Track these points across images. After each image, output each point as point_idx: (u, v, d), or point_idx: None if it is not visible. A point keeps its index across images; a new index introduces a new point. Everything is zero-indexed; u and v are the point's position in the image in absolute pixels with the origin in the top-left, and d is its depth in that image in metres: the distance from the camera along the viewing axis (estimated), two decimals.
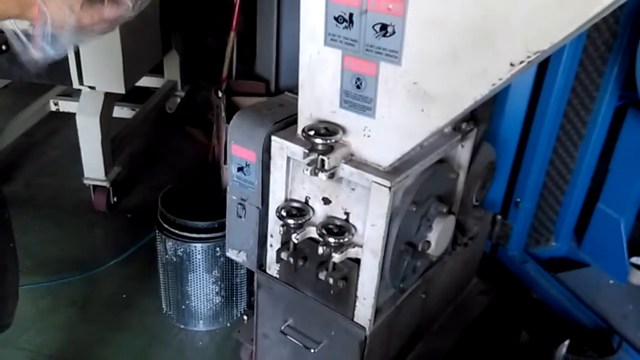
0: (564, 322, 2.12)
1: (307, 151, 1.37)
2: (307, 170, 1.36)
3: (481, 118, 1.71)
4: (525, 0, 1.01)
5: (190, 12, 4.06)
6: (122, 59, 2.39)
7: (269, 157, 1.52)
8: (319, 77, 1.38)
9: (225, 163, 2.67)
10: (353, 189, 1.42)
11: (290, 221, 1.47)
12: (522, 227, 2.34)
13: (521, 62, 1.06)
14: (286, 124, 1.56)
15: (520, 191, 2.27)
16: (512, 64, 1.07)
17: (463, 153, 1.70)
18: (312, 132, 1.35)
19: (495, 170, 2.00)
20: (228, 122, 2.67)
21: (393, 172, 1.36)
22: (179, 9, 3.40)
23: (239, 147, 1.58)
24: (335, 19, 1.28)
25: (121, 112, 3.20)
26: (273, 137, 1.49)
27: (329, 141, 1.33)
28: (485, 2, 1.06)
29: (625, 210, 2.19)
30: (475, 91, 1.14)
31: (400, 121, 1.28)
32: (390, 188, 1.33)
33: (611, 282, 2.25)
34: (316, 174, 1.35)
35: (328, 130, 1.37)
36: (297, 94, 1.47)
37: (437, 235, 1.53)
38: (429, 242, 1.54)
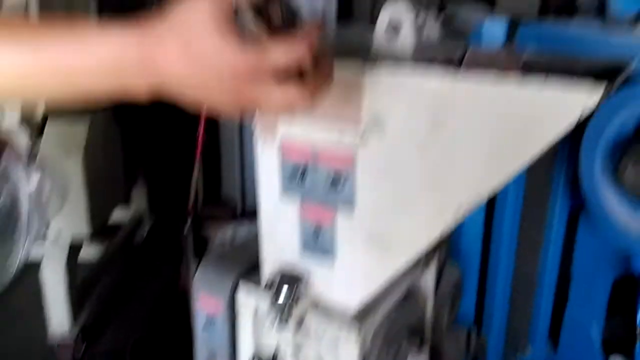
0: None
1: (271, 303, 1.37)
2: (273, 323, 1.35)
3: (440, 241, 1.75)
4: (463, 153, 1.08)
5: (156, 140, 4.16)
6: (86, 203, 2.40)
7: (237, 309, 1.51)
8: (279, 226, 1.40)
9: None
10: (321, 338, 1.41)
11: None
12: (497, 338, 2.32)
13: (468, 206, 1.11)
14: (253, 270, 1.56)
15: (491, 301, 2.28)
16: (460, 208, 1.12)
17: (428, 279, 1.72)
18: (275, 283, 1.36)
19: (462, 288, 2.02)
20: (195, 258, 2.69)
21: (360, 316, 1.36)
22: (144, 139, 3.47)
23: (205, 299, 1.57)
24: (289, 171, 1.33)
25: (88, 253, 3.15)
26: (240, 287, 1.49)
27: (293, 292, 1.33)
28: (429, 156, 1.12)
29: (593, 315, 2.21)
30: (431, 232, 1.18)
31: (361, 266, 1.31)
32: (358, 335, 1.32)
33: None
34: (282, 326, 1.35)
35: (292, 278, 1.38)
36: None
37: None
38: None
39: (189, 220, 2.82)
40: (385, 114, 1.15)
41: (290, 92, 0.76)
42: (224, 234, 2.83)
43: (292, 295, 1.34)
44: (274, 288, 1.34)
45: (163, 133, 4.07)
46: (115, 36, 0.72)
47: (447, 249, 1.85)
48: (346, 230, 1.29)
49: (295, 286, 1.33)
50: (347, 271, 1.33)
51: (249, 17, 0.72)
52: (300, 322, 1.36)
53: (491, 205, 2.17)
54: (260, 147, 1.34)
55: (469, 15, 2.32)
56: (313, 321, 1.38)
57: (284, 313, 1.34)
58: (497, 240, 2.15)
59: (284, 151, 1.32)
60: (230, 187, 3.28)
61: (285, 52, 0.72)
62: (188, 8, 0.70)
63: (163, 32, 0.71)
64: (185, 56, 0.70)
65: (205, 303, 1.57)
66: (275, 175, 1.35)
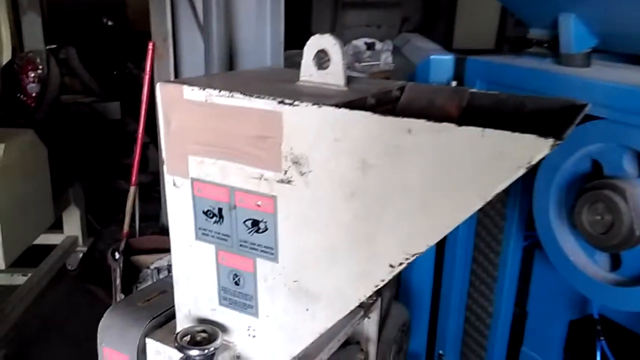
0: None
1: None
2: None
3: (385, 285, 1.60)
4: (393, 203, 0.92)
5: (95, 159, 3.94)
6: (0, 232, 2.16)
7: None
8: (193, 272, 1.22)
9: None
10: None
11: None
12: None
13: (400, 264, 0.95)
14: (167, 317, 1.38)
15: (442, 343, 2.14)
16: (391, 266, 0.96)
17: (370, 326, 1.56)
18: (186, 340, 1.17)
19: (409, 330, 1.86)
20: (124, 289, 2.47)
21: None
22: (75, 160, 3.26)
23: (110, 351, 1.37)
24: (205, 213, 1.15)
25: (10, 279, 2.90)
26: (148, 340, 1.30)
27: (206, 351, 1.15)
28: (356, 204, 0.96)
29: (550, 353, 2.09)
30: (359, 292, 1.02)
31: (285, 321, 1.14)
32: None
33: None
34: None
35: (207, 333, 1.20)
36: None
37: None
38: None
39: (121, 246, 2.61)
40: (309, 154, 0.98)
41: None
42: (157, 265, 2.63)
43: (205, 356, 1.15)
44: (183, 349, 1.15)
45: (103, 150, 3.86)
46: None
47: (394, 288, 1.70)
48: (269, 279, 1.12)
49: (209, 347, 1.15)
50: (270, 326, 1.16)
51: None
52: None
53: (442, 241, 2.03)
54: (169, 183, 1.17)
55: (419, 47, 2.21)
56: None
57: None
58: (449, 278, 2.02)
59: (198, 189, 1.14)
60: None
61: None
62: None
63: None
64: None
65: (111, 357, 1.38)
66: (189, 213, 1.17)
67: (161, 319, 1.37)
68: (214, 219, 1.15)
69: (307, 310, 1.09)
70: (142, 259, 2.60)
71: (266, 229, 1.09)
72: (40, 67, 3.75)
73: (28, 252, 2.73)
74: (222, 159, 1.09)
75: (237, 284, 1.17)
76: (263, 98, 1.00)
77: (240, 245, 1.13)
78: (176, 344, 1.17)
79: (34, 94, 3.69)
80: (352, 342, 1.51)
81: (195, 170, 1.13)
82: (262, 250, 1.11)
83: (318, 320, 1.09)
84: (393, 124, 0.87)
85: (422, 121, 0.84)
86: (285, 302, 1.12)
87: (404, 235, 0.93)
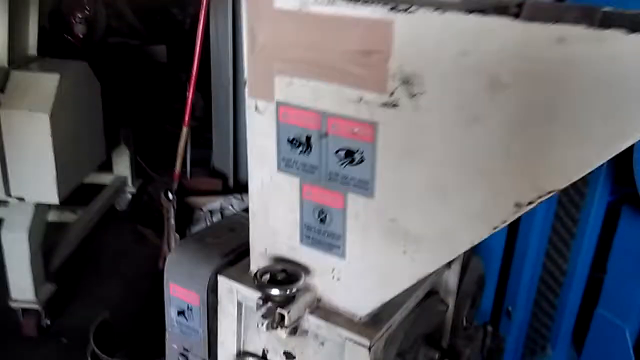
0: None
1: (261, 301, 1.09)
2: (262, 324, 1.07)
3: None
4: (528, 130, 0.78)
5: (143, 102, 3.86)
6: (54, 166, 2.10)
7: (216, 300, 1.24)
8: (273, 207, 1.12)
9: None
10: (322, 344, 1.14)
11: None
12: (516, 338, 2.07)
13: (530, 203, 0.82)
14: (238, 255, 1.29)
15: (512, 298, 2.01)
16: (518, 205, 0.83)
17: (451, 277, 1.44)
18: (266, 278, 1.08)
19: (484, 284, 1.74)
20: (178, 230, 2.41)
21: (372, 323, 1.09)
22: (127, 102, 3.18)
23: (178, 288, 1.29)
24: (290, 141, 1.04)
25: (61, 216, 2.87)
26: (220, 277, 1.21)
27: (288, 291, 1.05)
28: (479, 132, 0.83)
29: (629, 317, 1.94)
30: (472, 235, 0.90)
31: (377, 264, 1.02)
32: (370, 348, 1.05)
33: None
34: (274, 328, 1.07)
35: (287, 273, 1.10)
36: None
37: None
38: None
39: (175, 187, 2.54)
40: (423, 71, 0.85)
41: None
42: (210, 208, 2.56)
43: (286, 297, 1.06)
44: (263, 288, 1.06)
45: (151, 93, 3.76)
46: None
47: None
48: (361, 216, 1.01)
49: (291, 287, 1.05)
50: (358, 268, 1.05)
51: None
52: (295, 329, 1.09)
53: None
54: (251, 107, 1.05)
55: None
56: (312, 326, 1.10)
57: (274, 317, 1.07)
58: (526, 232, 1.88)
59: (283, 114, 1.02)
60: (221, 157, 2.98)
61: None
62: None
63: None
64: None
65: (179, 293, 1.30)
66: (272, 141, 1.06)
67: (232, 257, 1.28)
68: (300, 148, 1.03)
69: (405, 253, 0.98)
70: (195, 200, 2.53)
71: (362, 161, 0.96)
72: (87, 8, 3.67)
73: (78, 190, 2.69)
74: (315, 79, 0.96)
75: (322, 221, 1.06)
76: (370, 5, 0.86)
77: (330, 178, 1.01)
78: (256, 282, 1.08)
79: (81, 35, 3.62)
80: (431, 296, 1.40)
81: (282, 92, 1.01)
82: (355, 185, 0.99)
83: (417, 265, 0.98)
84: (540, 32, 0.72)
85: (580, 28, 0.69)
86: (379, 243, 1.00)
87: (539, 169, 0.79)
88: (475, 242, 0.90)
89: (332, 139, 0.98)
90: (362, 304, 1.08)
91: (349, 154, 0.97)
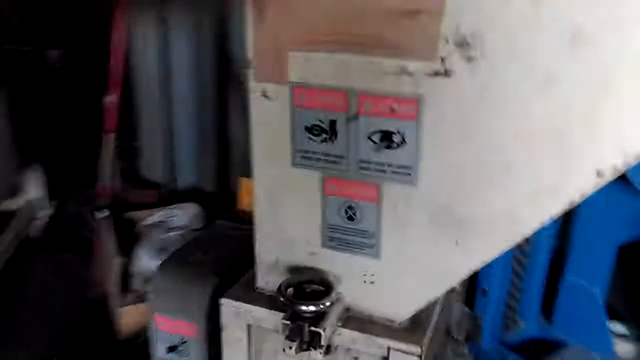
0: None
1: (287, 321, 0.93)
2: (290, 347, 0.91)
3: None
4: (616, 88, 0.69)
5: (45, 114, 3.46)
6: None
7: (216, 328, 1.06)
8: (287, 209, 0.96)
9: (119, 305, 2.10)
10: (356, 358, 0.99)
11: None
12: (492, 316, 2.03)
13: (614, 170, 0.73)
14: (233, 272, 1.11)
15: (486, 277, 1.97)
16: (600, 174, 0.74)
17: None
18: (290, 292, 0.92)
19: None
20: (121, 247, 2.13)
21: (414, 327, 0.96)
22: (28, 116, 2.81)
23: (167, 320, 1.10)
24: (308, 129, 0.88)
25: None
26: (223, 300, 1.03)
27: (321, 306, 0.90)
28: (554, 95, 0.72)
29: (598, 279, 1.97)
30: (543, 213, 0.80)
31: (421, 260, 0.90)
32: (421, 356, 0.92)
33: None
34: (305, 350, 0.92)
35: (313, 283, 0.95)
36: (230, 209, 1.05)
37: None
38: None
39: (104, 206, 2.26)
40: (484, 30, 0.73)
41: None
42: (150, 222, 2.31)
43: (318, 312, 0.91)
44: (292, 305, 0.90)
45: (63, 104, 3.38)
46: None
47: None
48: (400, 208, 0.88)
49: (324, 301, 0.90)
50: (397, 268, 0.92)
51: None
52: (329, 347, 0.94)
53: None
54: (256, 94, 0.88)
55: None
56: (345, 339, 0.96)
57: (305, 336, 0.91)
58: None
59: (300, 98, 0.87)
60: (153, 165, 2.72)
61: None
62: None
63: None
64: None
65: (168, 325, 1.10)
66: (283, 136, 0.90)
67: (228, 274, 1.10)
68: (322, 136, 0.88)
69: (457, 243, 0.86)
70: (132, 215, 2.27)
71: (402, 143, 0.83)
72: None
73: None
74: (341, 51, 0.82)
75: (350, 218, 0.92)
76: None
77: (360, 168, 0.87)
78: (281, 299, 0.91)
79: None
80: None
81: (297, 71, 0.85)
82: (393, 172, 0.86)
83: (471, 256, 0.86)
84: None
85: None
86: (424, 236, 0.88)
87: (626, 131, 0.70)
88: (543, 223, 0.80)
89: (363, 121, 0.84)
90: (403, 308, 0.95)
91: (386, 136, 0.84)
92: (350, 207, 0.91)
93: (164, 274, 1.10)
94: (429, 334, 0.96)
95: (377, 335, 0.94)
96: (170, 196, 2.66)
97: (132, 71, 2.58)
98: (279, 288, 0.92)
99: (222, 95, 2.71)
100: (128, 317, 1.99)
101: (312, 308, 0.89)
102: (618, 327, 2.06)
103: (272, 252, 1.00)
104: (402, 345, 0.92)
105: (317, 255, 0.97)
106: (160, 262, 1.14)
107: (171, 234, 2.27)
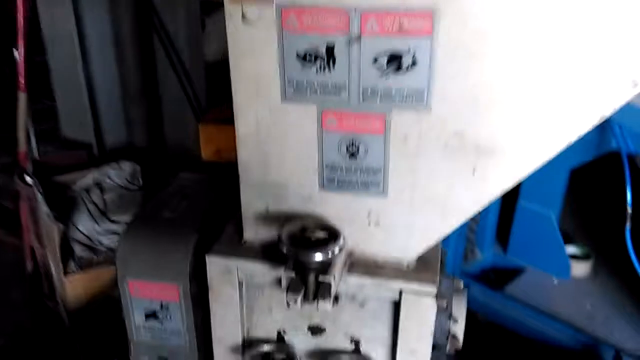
0: (534, 343, 1.88)
1: (291, 273, 0.84)
2: (295, 302, 0.83)
3: None
4: None
5: None
6: None
7: (203, 288, 0.95)
8: (277, 151, 0.85)
9: (56, 270, 1.91)
10: (362, 305, 0.93)
11: None
12: (454, 248, 2.05)
13: None
14: (212, 226, 1.00)
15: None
16: (635, 83, 0.69)
17: None
18: (290, 241, 0.83)
19: None
20: (56, 213, 1.92)
21: (424, 267, 0.90)
22: None
23: (143, 284, 0.98)
24: (301, 57, 0.77)
25: None
26: (209, 257, 0.92)
27: (330, 254, 0.81)
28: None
29: (552, 203, 2.02)
30: (571, 131, 0.74)
31: (434, 193, 0.83)
32: (437, 295, 0.87)
33: (555, 282, 2.08)
34: (311, 301, 0.84)
35: (313, 229, 0.86)
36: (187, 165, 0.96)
37: (463, 323, 1.11)
38: (454, 337, 1.11)
39: (29, 167, 2.02)
40: None
41: None
42: (83, 185, 2.09)
43: (328, 261, 0.82)
44: (297, 254, 0.81)
45: None
46: None
47: None
48: (411, 139, 0.79)
49: (333, 247, 0.82)
50: (405, 205, 0.85)
51: None
52: (337, 296, 0.86)
53: None
54: (234, 18, 0.75)
55: None
56: (350, 287, 0.89)
57: (310, 287, 0.83)
58: None
59: (289, 21, 0.75)
60: (75, 124, 2.46)
61: None
62: None
63: None
64: None
65: (145, 290, 0.99)
66: (270, 66, 0.78)
67: (205, 229, 0.99)
68: (318, 64, 0.77)
69: (474, 171, 0.79)
70: (62, 179, 2.05)
71: (413, 64, 0.74)
72: None
73: None
74: None
75: (353, 155, 0.83)
76: None
77: (364, 98, 0.78)
78: (285, 250, 0.81)
79: None
80: None
81: None
82: (403, 98, 0.77)
83: (490, 184, 0.80)
84: None
85: None
86: (437, 166, 0.80)
87: None
88: (571, 141, 0.75)
89: (368, 42, 0.74)
90: (411, 248, 0.89)
91: (394, 58, 0.74)
92: (352, 143, 0.82)
93: (134, 235, 0.97)
94: (439, 275, 0.90)
95: (388, 278, 0.87)
96: (100, 156, 2.44)
97: (42, 25, 2.29)
98: (279, 237, 0.82)
99: (144, 41, 2.48)
100: (74, 286, 1.83)
101: (319, 256, 0.80)
102: (569, 249, 2.14)
103: (261, 200, 0.90)
104: (416, 286, 0.86)
105: (315, 199, 0.88)
106: (128, 223, 1.00)
107: (109, 195, 2.08)
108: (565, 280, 2.07)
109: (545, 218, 2.03)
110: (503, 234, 2.21)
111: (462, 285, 1.12)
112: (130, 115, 2.61)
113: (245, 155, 0.87)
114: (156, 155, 2.65)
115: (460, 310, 1.07)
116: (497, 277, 2.15)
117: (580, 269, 2.09)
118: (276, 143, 0.84)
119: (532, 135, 0.75)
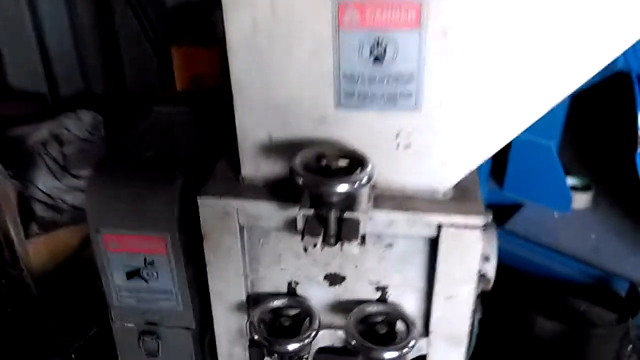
0: (539, 281, 1.79)
1: (309, 212, 0.68)
2: (314, 246, 0.67)
3: None
4: None
5: None
6: None
7: (195, 236, 0.78)
8: (280, 60, 0.67)
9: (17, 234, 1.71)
10: (390, 245, 0.78)
11: (288, 346, 0.76)
12: None
13: None
14: (197, 164, 0.83)
15: None
16: None
17: None
18: (306, 171, 0.66)
19: None
20: (11, 171, 1.71)
21: (464, 197, 0.75)
22: None
23: (122, 237, 0.80)
24: None
25: None
26: (201, 199, 0.75)
27: (356, 184, 0.65)
28: None
29: (553, 132, 1.90)
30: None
31: (479, 105, 0.67)
32: (484, 228, 0.72)
33: (556, 215, 1.97)
34: (333, 245, 0.68)
35: (328, 157, 0.69)
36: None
37: (495, 260, 0.98)
38: (485, 276, 0.98)
39: None
40: None
41: None
42: (39, 139, 1.86)
43: (353, 194, 0.66)
44: (325, 186, 0.64)
45: None
46: None
47: None
48: (453, 34, 0.63)
49: (360, 177, 0.65)
50: (444, 120, 0.69)
51: None
52: (363, 237, 0.71)
53: None
54: None
55: None
56: (379, 223, 0.73)
57: (331, 227, 0.68)
58: None
59: None
60: (23, 71, 2.19)
61: None
62: None
63: None
64: None
65: (125, 244, 0.81)
66: None
67: (191, 169, 0.81)
68: None
69: (531, 71, 0.64)
70: (14, 132, 1.82)
71: None
72: None
73: None
74: None
75: (378, 59, 0.66)
76: None
77: None
78: (301, 182, 0.65)
79: None
80: None
81: None
82: None
83: (550, 88, 0.65)
84: None
85: None
86: (485, 69, 0.64)
87: None
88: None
89: None
90: (448, 174, 0.73)
91: None
92: (378, 43, 0.65)
93: (105, 180, 0.79)
94: (482, 204, 0.76)
95: (424, 211, 0.72)
96: (55, 106, 2.19)
97: None
98: (292, 168, 0.65)
99: None
100: (37, 250, 1.64)
101: (345, 187, 0.64)
102: (569, 181, 2.04)
103: (262, 126, 0.73)
104: (459, 219, 0.71)
105: (329, 121, 0.71)
106: (96, 165, 0.82)
107: (68, 148, 1.87)
108: (566, 214, 1.97)
109: (545, 149, 1.90)
110: (498, 169, 2.09)
111: (491, 217, 0.98)
112: (86, 60, 2.36)
113: (240, 69, 0.69)
114: (117, 103, 2.42)
115: (491, 247, 0.94)
116: (494, 215, 2.05)
117: (581, 200, 1.99)
118: (279, 50, 0.67)
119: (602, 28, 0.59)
